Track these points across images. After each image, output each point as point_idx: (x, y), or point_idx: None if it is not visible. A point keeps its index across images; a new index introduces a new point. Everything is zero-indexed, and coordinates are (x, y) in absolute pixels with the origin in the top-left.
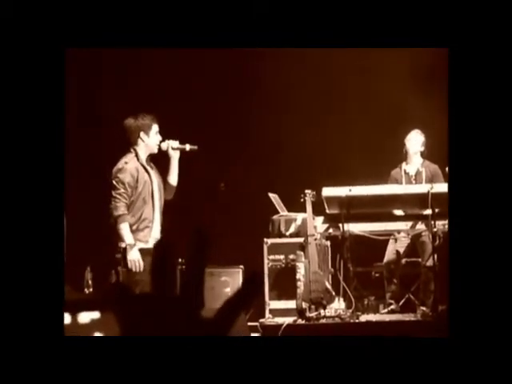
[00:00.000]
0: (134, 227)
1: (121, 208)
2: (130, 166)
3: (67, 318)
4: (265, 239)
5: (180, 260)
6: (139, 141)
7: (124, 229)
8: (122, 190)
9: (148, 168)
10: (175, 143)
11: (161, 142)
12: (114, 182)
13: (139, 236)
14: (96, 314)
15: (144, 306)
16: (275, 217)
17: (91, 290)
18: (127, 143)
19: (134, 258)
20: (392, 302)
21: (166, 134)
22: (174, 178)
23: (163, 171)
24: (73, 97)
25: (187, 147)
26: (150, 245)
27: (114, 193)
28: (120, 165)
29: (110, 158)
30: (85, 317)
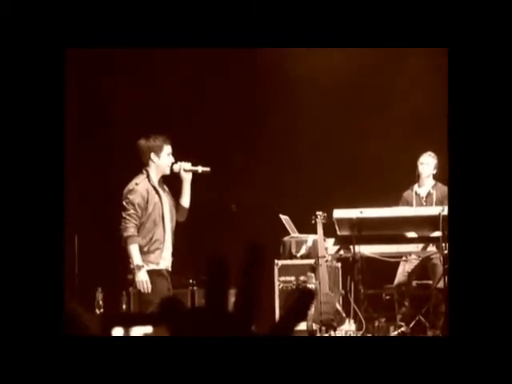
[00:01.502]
0: (146, 249)
1: (130, 229)
2: (140, 188)
3: (120, 332)
4: (276, 261)
5: (191, 281)
6: (150, 162)
7: (133, 250)
8: (132, 211)
9: (159, 190)
10: (187, 165)
11: (173, 163)
12: (124, 203)
13: (150, 258)
14: (149, 329)
15: (196, 322)
16: (286, 238)
17: (102, 310)
18: (139, 163)
19: (142, 279)
20: (402, 324)
21: (178, 155)
22: (186, 200)
23: (176, 193)
24: (73, 97)
25: (199, 169)
26: (161, 266)
27: (124, 214)
28: (131, 186)
29: (116, 167)
30: (138, 331)
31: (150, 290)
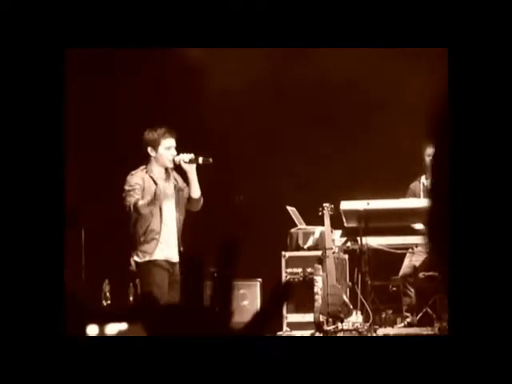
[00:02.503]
0: (142, 239)
1: (134, 198)
2: (135, 175)
3: (94, 329)
4: (283, 252)
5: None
6: (148, 155)
7: (142, 204)
8: (131, 188)
9: (158, 181)
10: (187, 157)
11: (175, 156)
12: (125, 188)
13: (145, 248)
14: (123, 326)
15: (171, 317)
16: (293, 230)
17: (109, 302)
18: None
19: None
20: (408, 315)
21: (185, 149)
22: (195, 191)
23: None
24: (73, 97)
25: (200, 160)
26: (158, 257)
27: (125, 194)
28: (128, 177)
29: (119, 164)
30: (112, 328)
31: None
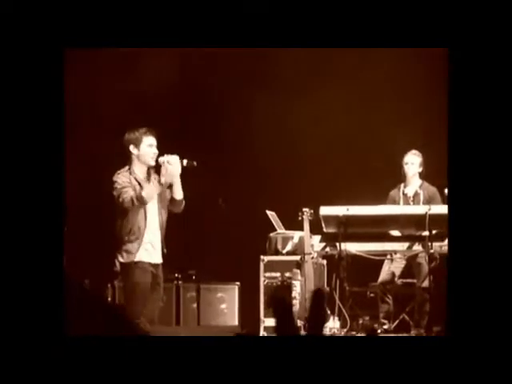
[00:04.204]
0: (126, 238)
1: (132, 192)
2: (120, 176)
3: None
4: (261, 256)
5: (176, 275)
6: (130, 154)
7: (146, 190)
8: (124, 185)
9: (142, 182)
10: (172, 158)
11: (158, 156)
12: (116, 186)
13: (129, 248)
14: None
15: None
16: (272, 234)
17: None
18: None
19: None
20: (385, 321)
21: (164, 148)
22: (177, 192)
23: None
24: (72, 97)
25: (184, 162)
26: (140, 258)
27: (118, 191)
28: (115, 175)
29: (110, 163)
30: None
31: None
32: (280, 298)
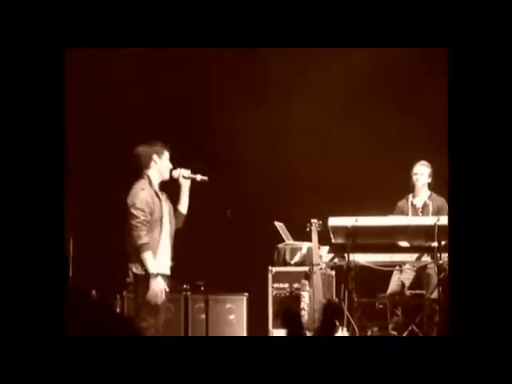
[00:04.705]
0: (141, 249)
1: (144, 237)
2: (146, 193)
3: None
4: (270, 267)
5: (185, 286)
6: (152, 164)
7: (148, 257)
8: (143, 218)
9: (159, 194)
10: (187, 172)
11: (172, 169)
12: (133, 211)
13: (143, 258)
14: None
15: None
16: (281, 245)
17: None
18: (139, 169)
19: (161, 288)
20: (395, 333)
21: (175, 162)
22: (184, 207)
23: (173, 199)
24: (73, 97)
25: (198, 177)
26: (155, 270)
27: (134, 222)
28: (136, 192)
29: (114, 167)
30: None
31: (162, 299)
32: (289, 311)
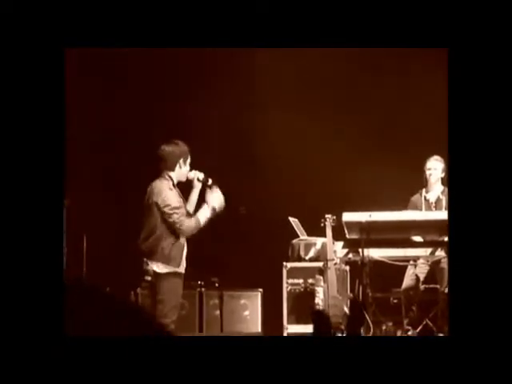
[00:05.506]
0: (166, 251)
1: (184, 219)
2: (175, 194)
3: None
4: (284, 263)
5: (199, 282)
6: (177, 167)
7: (201, 215)
8: (181, 214)
9: (182, 197)
10: (201, 175)
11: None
12: (167, 211)
13: (169, 258)
14: None
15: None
16: (295, 241)
17: None
18: (160, 168)
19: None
20: (409, 328)
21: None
22: (191, 206)
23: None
24: (73, 97)
25: (209, 181)
26: (175, 268)
27: (173, 218)
28: (166, 193)
29: (119, 167)
30: None
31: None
32: (319, 312)
